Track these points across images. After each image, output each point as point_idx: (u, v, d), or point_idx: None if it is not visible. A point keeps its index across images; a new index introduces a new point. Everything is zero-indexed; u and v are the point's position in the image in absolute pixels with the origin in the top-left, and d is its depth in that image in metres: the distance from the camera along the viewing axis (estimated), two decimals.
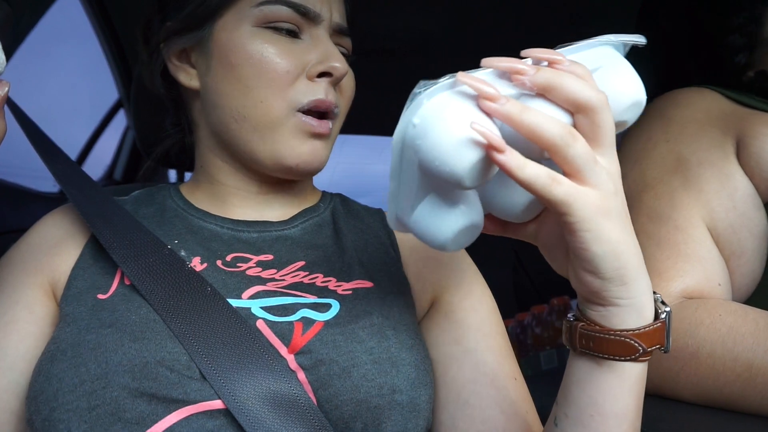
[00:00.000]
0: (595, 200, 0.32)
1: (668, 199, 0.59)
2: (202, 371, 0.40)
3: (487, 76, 0.33)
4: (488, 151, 0.30)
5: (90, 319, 0.43)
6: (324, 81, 0.50)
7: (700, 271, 0.55)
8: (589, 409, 0.36)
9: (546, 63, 0.33)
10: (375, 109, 1.97)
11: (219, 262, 0.49)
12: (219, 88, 0.51)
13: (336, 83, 0.51)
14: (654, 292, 0.36)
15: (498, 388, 0.47)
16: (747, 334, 0.48)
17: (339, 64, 0.50)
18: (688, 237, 0.57)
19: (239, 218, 0.54)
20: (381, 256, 0.54)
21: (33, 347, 0.44)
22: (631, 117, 0.36)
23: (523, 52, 0.33)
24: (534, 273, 1.83)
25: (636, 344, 0.34)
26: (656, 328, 0.35)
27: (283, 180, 0.55)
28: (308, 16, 0.50)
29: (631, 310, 0.34)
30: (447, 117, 0.31)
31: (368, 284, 0.49)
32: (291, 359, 0.42)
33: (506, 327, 1.45)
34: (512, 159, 0.30)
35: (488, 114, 0.31)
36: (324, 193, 0.62)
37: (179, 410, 0.39)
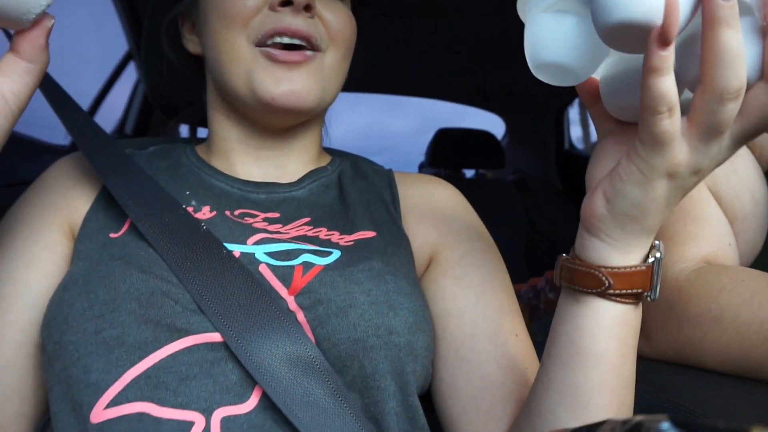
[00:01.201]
0: (681, 160, 0.31)
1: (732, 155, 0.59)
2: (198, 304, 0.41)
3: None
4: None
5: (101, 254, 0.44)
6: (287, 10, 0.48)
7: (709, 232, 0.55)
8: (569, 348, 0.37)
9: None
10: (396, 67, 1.93)
11: (227, 212, 0.50)
12: (207, 45, 0.53)
13: (299, 10, 0.48)
14: (653, 244, 0.36)
15: (497, 344, 0.48)
16: None
17: None
18: (694, 200, 0.56)
19: (247, 178, 0.54)
20: (382, 213, 0.54)
21: (54, 285, 0.45)
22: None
23: None
24: (546, 238, 1.82)
25: (604, 278, 0.35)
26: (636, 270, 0.35)
27: (279, 130, 0.55)
28: None
29: (614, 249, 0.35)
30: None
31: (371, 233, 0.50)
32: (291, 300, 0.42)
33: (519, 291, 1.45)
34: (664, 60, 0.27)
35: None
36: (335, 155, 0.62)
37: (182, 339, 0.40)
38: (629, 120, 0.36)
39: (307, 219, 0.51)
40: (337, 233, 0.50)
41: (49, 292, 0.45)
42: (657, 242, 0.36)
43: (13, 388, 0.44)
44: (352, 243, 0.48)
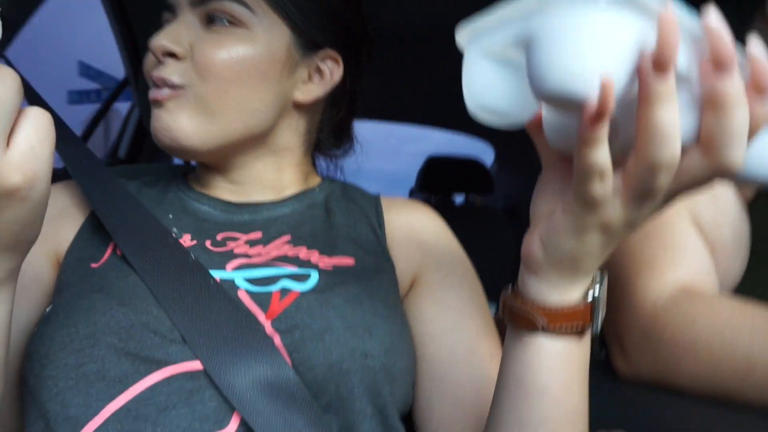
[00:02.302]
0: (613, 218, 0.31)
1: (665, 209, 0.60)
2: (181, 332, 0.41)
3: (685, 22, 0.27)
4: (586, 107, 0.26)
5: (82, 286, 0.44)
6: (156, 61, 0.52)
7: (689, 260, 0.56)
8: (513, 382, 0.38)
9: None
10: (386, 95, 1.97)
11: (208, 242, 0.50)
12: None
13: (159, 59, 0.50)
14: (596, 275, 0.36)
15: (472, 366, 0.48)
16: (744, 327, 0.49)
17: (153, 40, 0.50)
18: (675, 228, 0.57)
19: (230, 200, 0.55)
20: (367, 234, 0.55)
21: (42, 315, 0.45)
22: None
23: (753, 48, 0.27)
24: None
25: (538, 318, 0.35)
26: (574, 308, 0.35)
27: (218, 164, 0.56)
28: (169, 8, 0.53)
29: (552, 288, 0.35)
30: (597, 33, 0.26)
31: (349, 261, 0.51)
32: (268, 325, 0.43)
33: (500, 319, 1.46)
34: (596, 134, 0.27)
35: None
36: (325, 180, 0.62)
37: (160, 370, 0.40)
38: (570, 155, 0.36)
39: (288, 237, 0.52)
40: (317, 252, 0.50)
41: (35, 321, 0.45)
42: (598, 275, 0.36)
43: (1, 420, 0.43)
44: (330, 268, 0.49)
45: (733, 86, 0.27)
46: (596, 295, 0.36)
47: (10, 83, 0.27)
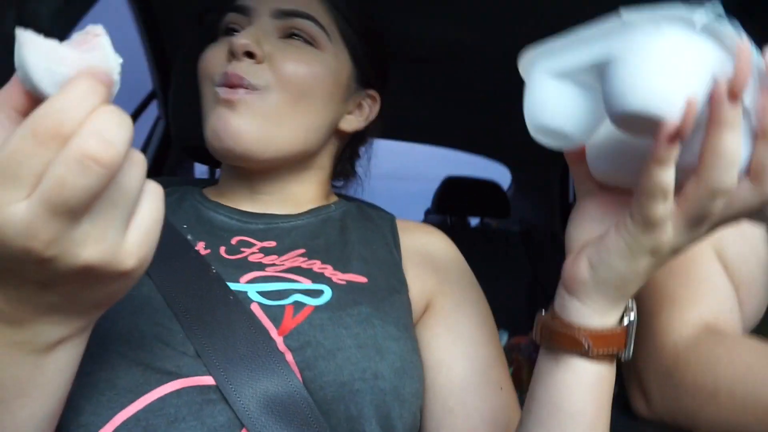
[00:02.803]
0: (665, 241, 0.33)
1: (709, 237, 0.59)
2: (196, 348, 0.41)
3: (753, 57, 0.28)
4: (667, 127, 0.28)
5: None
6: (233, 59, 0.52)
7: (712, 297, 0.55)
8: (548, 406, 0.38)
9: None
10: (405, 115, 1.99)
11: (222, 249, 0.51)
12: None
13: (240, 58, 0.51)
14: (630, 300, 0.38)
15: (482, 397, 0.48)
16: (767, 375, 0.48)
17: (235, 38, 0.51)
18: (699, 263, 0.57)
19: (247, 210, 0.56)
20: (383, 254, 0.55)
21: None
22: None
23: None
24: (550, 289, 1.81)
25: (583, 340, 0.36)
26: (612, 333, 0.37)
27: (265, 175, 0.57)
28: (241, 11, 0.55)
29: (593, 312, 0.36)
30: (687, 60, 0.27)
31: (362, 280, 0.51)
32: (280, 341, 0.43)
33: (519, 344, 1.43)
34: (670, 153, 0.29)
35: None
36: (342, 198, 0.64)
37: (171, 382, 0.40)
38: (612, 184, 0.37)
39: (302, 250, 0.53)
40: (330, 267, 0.51)
41: None
42: (631, 302, 0.38)
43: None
44: (344, 283, 0.49)
45: None
46: (633, 320, 0.37)
47: (137, 171, 0.26)
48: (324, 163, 0.61)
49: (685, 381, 0.51)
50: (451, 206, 2.19)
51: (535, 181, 2.46)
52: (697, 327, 0.54)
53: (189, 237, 0.51)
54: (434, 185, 2.24)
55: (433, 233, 0.61)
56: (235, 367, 0.41)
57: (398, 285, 0.53)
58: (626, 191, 0.35)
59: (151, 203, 0.28)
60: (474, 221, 2.62)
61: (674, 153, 0.29)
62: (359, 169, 0.69)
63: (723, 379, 0.49)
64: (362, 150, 0.69)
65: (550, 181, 2.36)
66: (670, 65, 0.27)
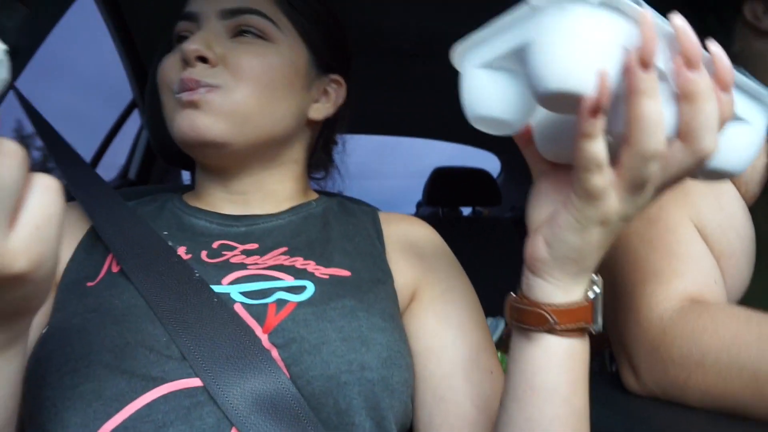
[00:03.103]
0: (611, 210, 0.34)
1: (656, 202, 0.59)
2: (182, 350, 0.41)
3: (659, 23, 0.30)
4: (585, 102, 0.29)
5: (77, 306, 0.45)
6: (187, 66, 0.53)
7: (695, 269, 0.55)
8: (522, 384, 0.39)
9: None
10: (391, 109, 1.98)
11: (204, 254, 0.51)
12: None
13: (193, 63, 0.51)
14: (592, 279, 0.39)
15: (473, 382, 0.49)
16: (752, 341, 0.48)
17: (186, 44, 0.51)
18: (680, 236, 0.57)
19: (228, 213, 0.57)
20: (366, 246, 0.55)
21: (39, 336, 0.45)
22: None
23: (714, 47, 0.31)
24: None
25: (548, 316, 0.37)
26: (578, 306, 0.37)
27: (238, 173, 0.57)
28: (189, 18, 0.56)
29: (556, 288, 0.38)
30: (589, 37, 0.28)
31: (345, 273, 0.51)
32: (265, 339, 0.43)
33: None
34: (594, 126, 0.30)
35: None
36: (323, 195, 0.64)
37: (157, 388, 0.40)
38: (561, 162, 0.38)
39: (284, 249, 0.53)
40: (312, 263, 0.51)
41: (35, 342, 0.45)
42: (596, 277, 0.39)
43: None
44: (326, 277, 0.49)
45: (703, 79, 0.30)
46: (597, 293, 0.38)
47: (11, 162, 0.24)
48: (297, 155, 0.61)
49: (671, 353, 0.51)
50: (442, 197, 2.19)
51: (525, 167, 2.45)
52: (682, 299, 0.54)
53: (170, 243, 0.51)
54: (424, 178, 2.24)
55: (416, 223, 0.61)
56: (221, 368, 0.41)
57: (382, 275, 0.53)
58: None
59: (42, 198, 0.26)
60: (466, 211, 2.62)
61: (599, 126, 0.30)
62: (336, 156, 0.69)
63: (708, 348, 0.50)
64: (338, 139, 0.68)
65: None
66: (577, 42, 0.28)
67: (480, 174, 2.17)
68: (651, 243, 0.57)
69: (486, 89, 0.35)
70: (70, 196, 0.54)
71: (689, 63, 0.30)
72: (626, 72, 0.29)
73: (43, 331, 0.44)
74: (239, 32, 0.54)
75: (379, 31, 1.27)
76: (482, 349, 0.51)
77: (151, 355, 0.41)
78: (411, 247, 0.57)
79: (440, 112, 2.01)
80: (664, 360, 0.52)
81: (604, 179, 0.32)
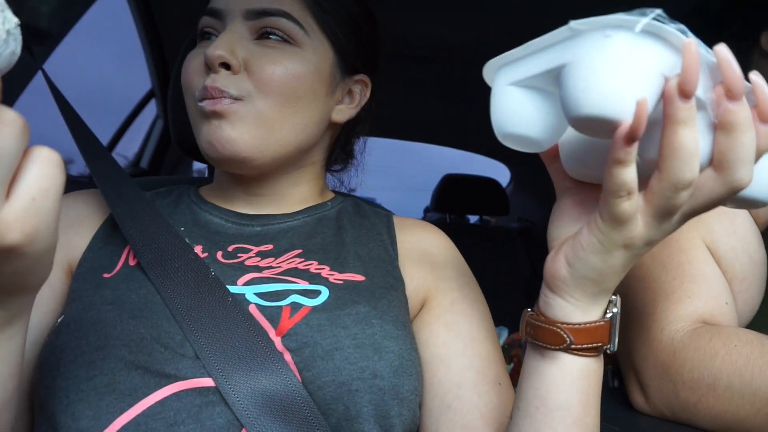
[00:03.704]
0: (636, 235, 0.34)
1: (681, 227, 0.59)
2: (196, 350, 0.41)
3: (702, 52, 0.29)
4: (624, 126, 0.29)
5: (93, 297, 0.45)
6: (210, 71, 0.51)
7: (706, 290, 0.55)
8: (535, 401, 0.38)
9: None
10: (406, 113, 1.99)
11: (219, 254, 0.50)
12: None
13: (216, 70, 0.50)
14: (613, 295, 0.38)
15: (480, 393, 0.48)
16: (765, 366, 0.48)
17: (210, 50, 0.49)
18: (692, 257, 0.57)
19: (243, 212, 0.56)
20: (379, 252, 0.55)
21: (55, 324, 0.45)
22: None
23: (755, 77, 0.30)
24: None
25: (564, 335, 0.37)
26: (595, 326, 0.37)
27: (260, 179, 0.56)
28: (214, 15, 0.54)
29: (575, 308, 0.37)
30: (636, 64, 0.28)
31: (360, 278, 0.51)
32: (278, 341, 0.43)
33: (519, 340, 1.44)
34: (628, 153, 0.29)
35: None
36: (338, 195, 0.64)
37: (170, 385, 0.40)
38: (587, 180, 0.38)
39: (299, 251, 0.52)
40: (327, 268, 0.51)
41: (49, 330, 0.45)
42: (614, 297, 0.38)
43: (8, 427, 0.44)
44: (341, 282, 0.49)
45: (744, 111, 0.30)
46: (615, 312, 0.38)
47: (10, 131, 0.24)
48: (317, 157, 0.60)
49: (682, 375, 0.51)
50: (450, 204, 2.19)
51: (534, 179, 2.47)
52: (693, 321, 0.54)
53: (186, 240, 0.51)
54: (433, 183, 2.25)
55: (430, 230, 0.60)
56: (234, 368, 0.41)
57: (395, 282, 0.53)
58: (601, 187, 0.36)
59: (39, 169, 0.25)
60: (473, 219, 2.62)
61: (632, 153, 0.30)
62: (356, 149, 0.67)
63: (720, 372, 0.49)
64: (357, 139, 0.67)
65: (548, 178, 2.36)
66: (617, 69, 0.28)
67: (489, 183, 2.17)
68: (663, 263, 0.57)
69: (517, 107, 0.35)
70: (92, 185, 0.54)
71: (730, 94, 0.29)
72: (665, 100, 0.29)
73: (58, 320, 0.44)
74: (264, 34, 0.52)
75: (394, 37, 1.28)
76: (491, 360, 0.50)
77: (165, 352, 0.41)
78: (424, 255, 0.57)
79: (452, 119, 2.01)
80: (675, 382, 0.52)
81: (632, 205, 0.32)
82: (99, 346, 0.41)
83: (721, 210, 0.58)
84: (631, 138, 0.29)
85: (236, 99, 0.50)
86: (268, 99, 0.51)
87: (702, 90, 0.30)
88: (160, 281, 0.45)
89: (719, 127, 0.30)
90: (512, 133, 0.35)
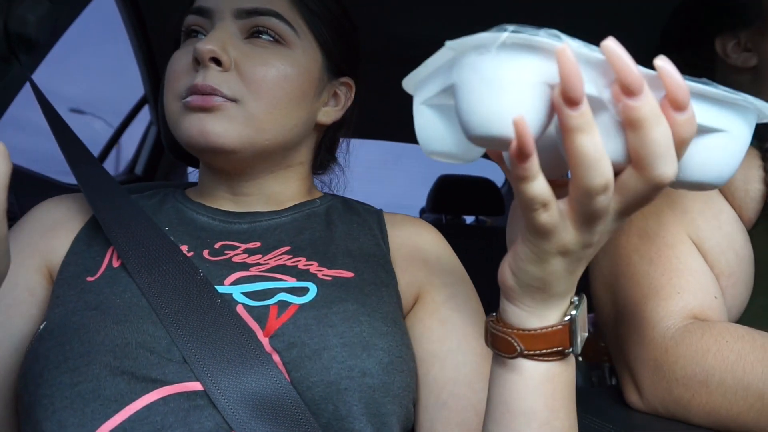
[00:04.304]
0: (568, 241, 0.32)
1: (655, 218, 0.59)
2: (183, 354, 0.41)
3: (586, 53, 0.27)
4: (513, 149, 0.28)
5: (77, 302, 0.44)
6: (199, 67, 0.50)
7: (695, 285, 0.55)
8: (499, 407, 0.38)
9: (664, 93, 0.28)
10: (395, 115, 1.98)
11: (205, 252, 0.50)
12: None
13: (207, 66, 0.49)
14: (574, 299, 0.37)
15: (475, 390, 0.48)
16: (756, 362, 0.48)
17: (200, 44, 0.49)
18: (679, 252, 0.57)
19: (230, 210, 0.56)
20: (370, 247, 0.55)
21: (36, 329, 0.45)
22: None
23: (661, 62, 0.27)
24: None
25: (515, 343, 0.36)
26: (552, 330, 0.36)
27: (244, 175, 0.56)
28: (202, 13, 0.53)
29: (529, 314, 0.36)
30: (510, 81, 0.27)
31: (349, 275, 0.50)
32: (266, 342, 0.43)
33: None
34: (526, 170, 0.29)
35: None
36: (326, 194, 0.64)
37: (157, 390, 0.40)
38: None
39: (287, 248, 0.52)
40: (315, 264, 0.50)
41: (31, 336, 0.45)
42: (575, 298, 0.37)
43: None
44: (330, 278, 0.49)
45: (646, 105, 0.27)
46: (573, 315, 0.36)
47: None
48: (303, 158, 0.60)
49: (675, 372, 0.52)
50: (446, 205, 2.19)
51: None
52: (684, 316, 0.54)
53: (172, 238, 0.50)
54: (428, 184, 2.25)
55: (421, 226, 0.60)
56: (222, 371, 0.40)
57: (386, 277, 0.52)
58: (554, 183, 0.34)
59: None
60: (469, 219, 2.62)
61: (531, 168, 0.28)
62: (339, 155, 0.68)
63: (713, 369, 0.50)
64: (341, 140, 0.67)
65: None
66: (494, 86, 0.27)
67: (485, 183, 2.17)
68: (651, 259, 0.57)
69: (430, 125, 0.35)
70: (75, 189, 0.54)
71: (626, 89, 0.27)
72: (555, 110, 0.28)
73: (41, 326, 0.44)
74: (254, 33, 0.52)
75: (387, 38, 1.28)
76: (486, 357, 0.50)
77: (151, 357, 0.41)
78: (416, 251, 0.56)
79: None
80: (668, 379, 0.52)
81: (551, 215, 0.31)
82: (83, 353, 0.40)
83: (705, 205, 0.59)
84: (522, 155, 0.28)
85: (229, 100, 0.49)
86: (260, 102, 0.51)
87: (600, 89, 0.28)
88: (146, 285, 0.44)
89: (625, 125, 0.28)
90: (433, 151, 0.36)
